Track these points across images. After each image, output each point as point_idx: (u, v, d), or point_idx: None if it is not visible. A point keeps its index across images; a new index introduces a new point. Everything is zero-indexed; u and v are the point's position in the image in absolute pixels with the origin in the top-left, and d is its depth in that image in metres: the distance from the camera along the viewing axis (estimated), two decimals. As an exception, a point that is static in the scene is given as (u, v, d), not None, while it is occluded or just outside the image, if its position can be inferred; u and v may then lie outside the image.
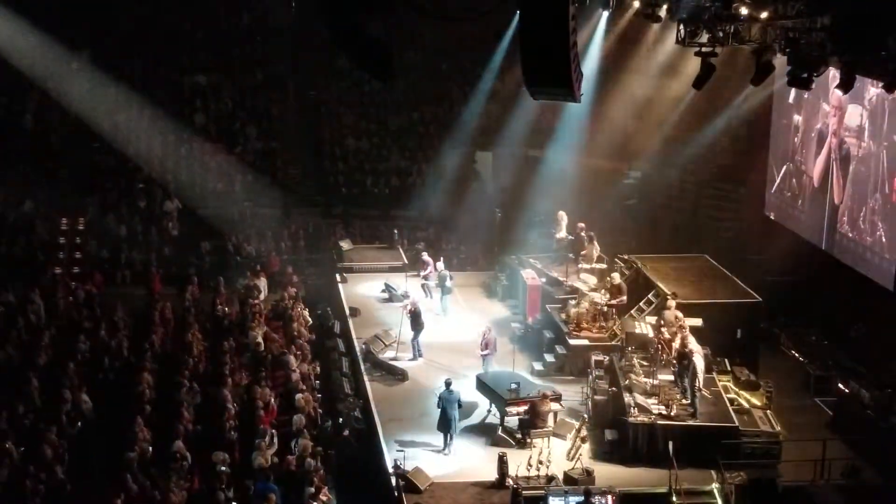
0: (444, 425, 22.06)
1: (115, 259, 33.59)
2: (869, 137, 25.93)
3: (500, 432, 22.71)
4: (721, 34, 22.60)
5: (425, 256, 31.30)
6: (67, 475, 20.22)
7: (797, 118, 29.90)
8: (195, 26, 42.63)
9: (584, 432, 22.02)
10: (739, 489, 20.06)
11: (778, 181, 31.11)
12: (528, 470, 20.65)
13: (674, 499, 20.03)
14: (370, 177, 39.14)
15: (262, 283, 30.89)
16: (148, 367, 24.45)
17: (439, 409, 22.11)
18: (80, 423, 22.42)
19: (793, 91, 27.81)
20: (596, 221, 30.63)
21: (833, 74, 22.39)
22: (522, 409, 22.38)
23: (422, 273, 30.86)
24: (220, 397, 22.87)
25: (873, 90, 25.07)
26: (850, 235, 26.79)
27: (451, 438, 22.15)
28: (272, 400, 23.17)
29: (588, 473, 20.66)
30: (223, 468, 20.18)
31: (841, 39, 18.79)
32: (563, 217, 30.32)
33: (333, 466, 21.40)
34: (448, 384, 22.32)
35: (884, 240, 25.17)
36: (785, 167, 30.71)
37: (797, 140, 29.97)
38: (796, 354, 27.42)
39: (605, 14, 30.41)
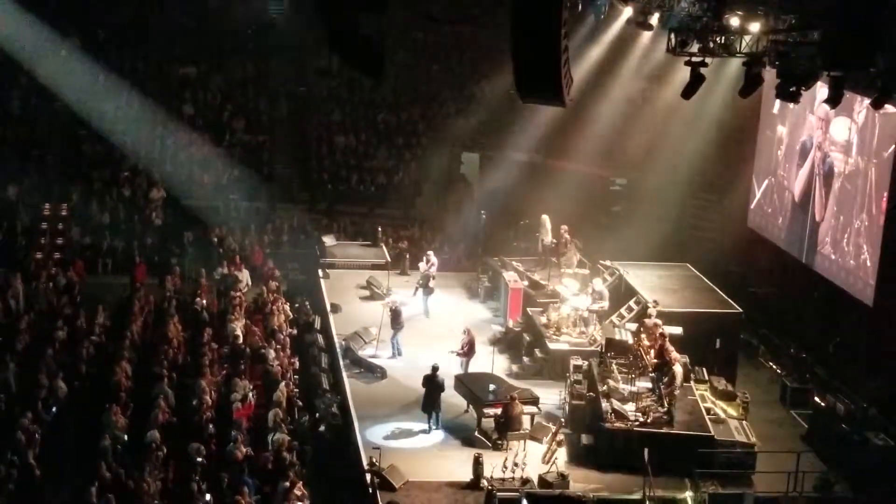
0: (428, 406, 22.86)
1: (97, 247, 33.52)
2: (857, 153, 25.80)
3: (476, 433, 22.75)
4: (711, 45, 22.72)
5: (432, 255, 30.76)
6: (40, 461, 20.14)
7: (781, 129, 29.91)
8: (186, 17, 42.51)
9: (560, 436, 22.07)
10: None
11: (759, 196, 31.13)
12: (504, 472, 20.67)
13: (647, 505, 20.10)
14: (356, 174, 39.14)
15: (244, 274, 30.81)
16: (126, 357, 24.40)
17: (424, 389, 22.96)
18: (55, 410, 22.35)
19: (777, 101, 27.80)
20: (580, 227, 30.68)
21: (820, 85, 22.44)
22: (498, 411, 22.45)
23: (424, 269, 30.09)
24: (198, 389, 22.83)
25: (863, 102, 24.72)
26: (833, 257, 26.67)
27: (436, 418, 22.96)
28: (250, 393, 23.14)
29: (563, 477, 20.69)
30: (198, 459, 20.16)
31: (830, 54, 18.88)
32: (547, 221, 30.33)
33: (309, 462, 21.39)
34: (435, 369, 23.06)
35: (868, 264, 24.97)
36: (766, 181, 30.72)
37: (780, 153, 29.98)
38: (774, 366, 27.54)
39: (597, 21, 30.49)
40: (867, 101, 23.54)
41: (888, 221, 24.32)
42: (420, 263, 30.55)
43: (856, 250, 25.67)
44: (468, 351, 25.43)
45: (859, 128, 25.67)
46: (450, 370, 24.67)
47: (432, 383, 23.01)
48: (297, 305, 29.33)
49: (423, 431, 23.00)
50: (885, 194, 24.42)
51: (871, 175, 25.01)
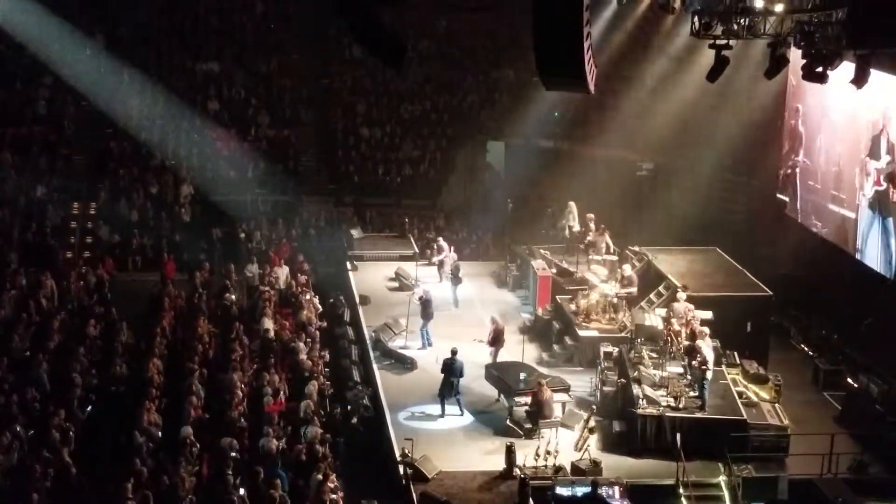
0: (445, 391, 23.10)
1: (126, 244, 33.70)
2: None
3: (508, 422, 22.73)
4: (735, 27, 22.57)
5: (441, 242, 31.09)
6: (76, 459, 20.25)
7: (807, 111, 29.56)
8: (209, 13, 42.65)
9: (592, 423, 21.99)
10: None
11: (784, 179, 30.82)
12: (536, 460, 20.68)
13: (681, 491, 20.04)
14: (382, 166, 39.16)
15: (283, 270, 30.64)
16: (157, 353, 24.49)
17: (442, 374, 23.17)
18: (89, 408, 22.47)
19: (802, 83, 27.42)
20: (608, 213, 30.59)
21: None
22: (529, 399, 22.43)
23: (436, 258, 30.89)
24: (229, 383, 22.89)
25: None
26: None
27: (458, 402, 23.18)
28: (281, 387, 23.20)
29: (595, 464, 20.69)
30: (232, 454, 20.22)
31: (856, 33, 18.73)
32: (574, 208, 30.31)
33: (342, 454, 21.44)
34: (454, 353, 23.29)
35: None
36: (791, 163, 30.36)
37: (806, 135, 29.59)
38: (806, 348, 27.41)
39: (620, 5, 30.35)
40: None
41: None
42: (446, 253, 30.54)
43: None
44: (494, 341, 25.36)
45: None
46: (479, 360, 24.69)
47: (450, 369, 23.10)
48: (331, 301, 29.32)
49: (454, 415, 23.09)
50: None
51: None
